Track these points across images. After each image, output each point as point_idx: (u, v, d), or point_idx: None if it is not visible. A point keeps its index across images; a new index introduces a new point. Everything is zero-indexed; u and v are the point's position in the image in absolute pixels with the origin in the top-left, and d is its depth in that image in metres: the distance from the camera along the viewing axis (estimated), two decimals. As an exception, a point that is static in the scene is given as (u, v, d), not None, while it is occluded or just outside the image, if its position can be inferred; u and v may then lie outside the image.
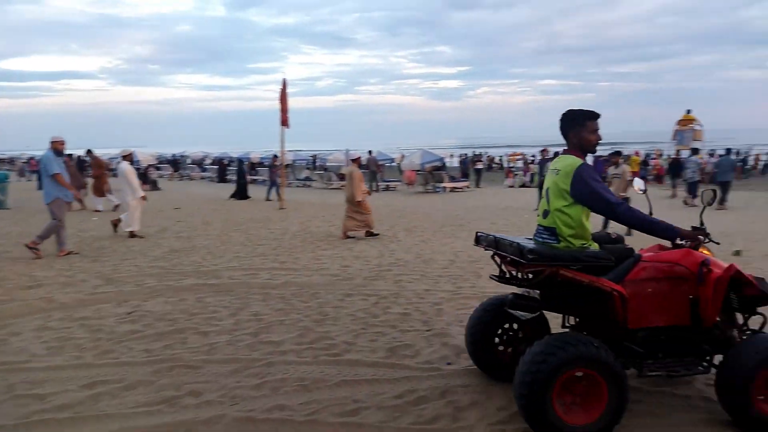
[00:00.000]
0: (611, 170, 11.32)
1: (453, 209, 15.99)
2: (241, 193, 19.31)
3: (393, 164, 32.19)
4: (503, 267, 3.64)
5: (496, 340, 3.90)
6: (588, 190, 3.20)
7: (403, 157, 31.58)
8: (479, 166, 29.53)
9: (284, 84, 15.70)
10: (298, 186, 27.98)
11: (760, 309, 3.43)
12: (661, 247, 3.66)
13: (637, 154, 31.35)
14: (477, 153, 39.10)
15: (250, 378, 3.94)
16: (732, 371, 3.15)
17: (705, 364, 3.39)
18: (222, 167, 31.97)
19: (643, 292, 3.28)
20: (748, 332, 3.51)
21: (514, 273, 3.56)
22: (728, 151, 19.71)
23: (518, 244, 3.20)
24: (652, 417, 3.37)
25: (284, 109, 15.75)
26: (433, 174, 24.28)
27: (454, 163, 35.22)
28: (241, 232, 11.27)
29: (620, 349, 3.29)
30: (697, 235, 3.42)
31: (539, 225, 3.47)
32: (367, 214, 10.45)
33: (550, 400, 2.96)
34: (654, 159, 30.63)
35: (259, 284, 6.76)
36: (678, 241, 3.39)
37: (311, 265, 7.92)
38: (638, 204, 3.92)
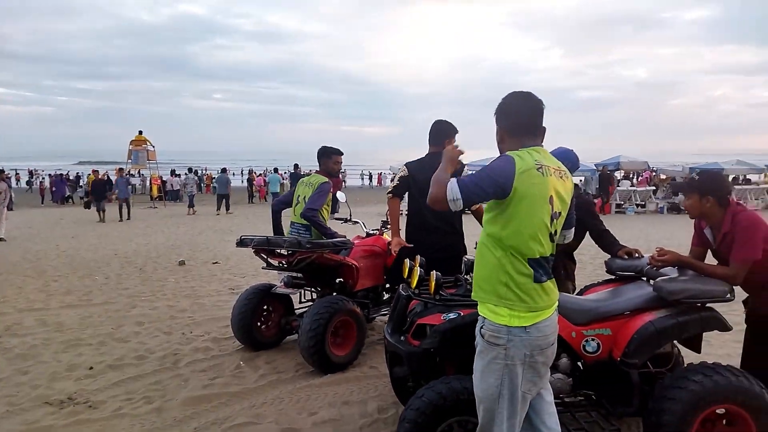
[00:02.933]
0: None
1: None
2: None
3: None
4: (269, 259, 4.75)
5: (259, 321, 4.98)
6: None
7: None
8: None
9: None
10: None
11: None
12: (359, 237, 5.45)
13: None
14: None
15: None
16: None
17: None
18: None
19: (360, 265, 4.96)
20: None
21: (278, 263, 4.73)
22: (224, 170, 22.76)
23: (295, 238, 4.42)
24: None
25: None
26: None
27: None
28: None
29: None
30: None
31: (295, 222, 4.74)
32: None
33: (327, 339, 4.31)
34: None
35: None
36: (370, 231, 5.23)
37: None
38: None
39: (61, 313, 6.45)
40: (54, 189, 28.53)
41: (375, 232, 5.30)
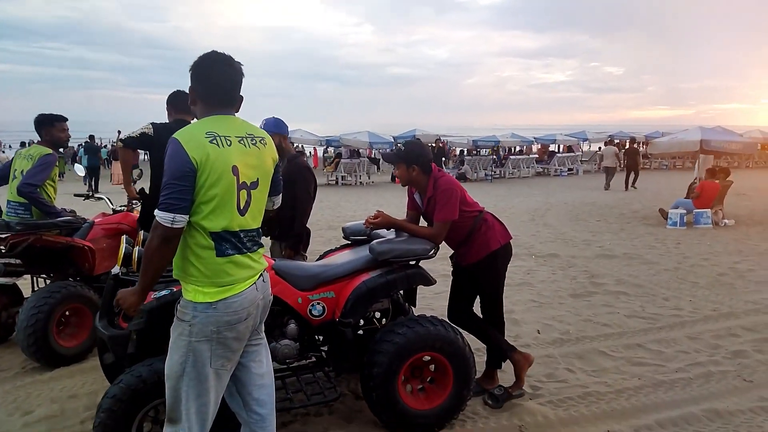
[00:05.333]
0: None
1: None
2: None
3: None
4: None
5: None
6: None
7: None
8: None
9: None
10: None
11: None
12: (104, 214, 4.93)
13: None
14: None
15: None
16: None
17: None
18: None
19: (101, 245, 4.50)
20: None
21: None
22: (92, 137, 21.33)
23: (3, 220, 3.80)
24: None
25: None
26: None
27: None
28: None
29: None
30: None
31: (11, 201, 4.09)
32: None
33: (51, 332, 3.87)
34: None
35: None
36: (117, 207, 4.77)
37: None
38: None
39: None
40: None
41: (123, 208, 4.84)
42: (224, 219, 2.09)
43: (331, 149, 27.46)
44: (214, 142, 2.05)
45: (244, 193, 2.15)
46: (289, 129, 4.13)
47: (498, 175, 23.74)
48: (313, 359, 3.35)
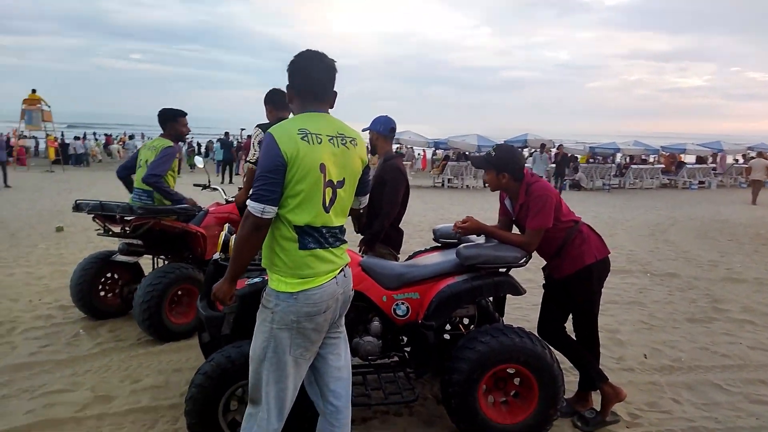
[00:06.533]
0: None
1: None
2: None
3: None
4: (106, 225, 4.53)
5: (100, 288, 4.75)
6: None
7: None
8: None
9: None
10: None
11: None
12: (218, 204, 5.31)
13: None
14: None
15: None
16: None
17: None
18: None
19: (213, 232, 4.84)
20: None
21: (116, 229, 4.52)
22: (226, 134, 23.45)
23: (127, 203, 4.22)
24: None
25: None
26: None
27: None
28: None
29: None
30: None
31: (137, 188, 4.53)
32: None
33: (164, 309, 4.22)
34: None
35: None
36: (230, 198, 5.11)
37: None
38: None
39: None
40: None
41: (233, 199, 5.17)
42: (308, 214, 2.15)
43: (439, 152, 27.41)
44: (306, 138, 2.11)
45: (329, 190, 2.19)
46: (399, 130, 4.13)
47: (617, 185, 22.29)
48: (396, 359, 3.35)
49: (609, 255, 3.31)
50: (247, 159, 4.13)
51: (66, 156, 24.42)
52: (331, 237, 2.24)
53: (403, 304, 3.11)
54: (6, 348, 4.14)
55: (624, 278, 6.97)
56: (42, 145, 27.32)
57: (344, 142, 2.25)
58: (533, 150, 27.51)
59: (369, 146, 4.18)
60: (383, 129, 3.94)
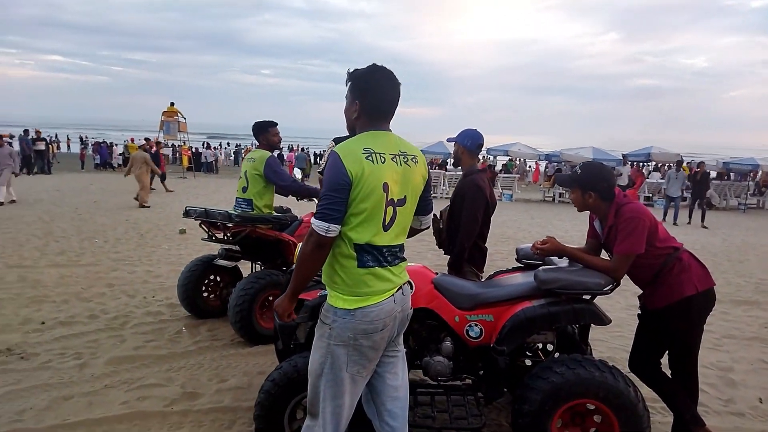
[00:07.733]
0: None
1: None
2: None
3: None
4: (211, 230, 4.88)
5: (204, 289, 5.13)
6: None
7: None
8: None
9: None
10: None
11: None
12: (312, 214, 5.51)
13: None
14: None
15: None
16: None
17: None
18: None
19: (304, 242, 5.03)
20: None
21: (219, 235, 4.85)
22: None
23: (227, 212, 4.52)
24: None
25: None
26: None
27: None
28: None
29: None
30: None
31: (238, 197, 4.85)
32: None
33: (254, 313, 4.44)
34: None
35: None
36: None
37: None
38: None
39: (44, 271, 6.80)
40: (96, 155, 29.69)
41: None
42: (369, 233, 2.15)
43: (551, 165, 26.35)
44: (370, 158, 2.12)
45: (390, 209, 2.18)
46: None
47: (754, 205, 19.99)
48: (468, 381, 3.25)
49: (714, 287, 2.97)
50: (319, 171, 4.24)
51: (198, 164, 26.80)
52: (390, 255, 2.23)
53: (476, 325, 3.00)
54: (116, 341, 4.58)
55: (748, 310, 6.21)
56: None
57: (406, 160, 2.23)
58: (662, 165, 25.28)
59: (453, 158, 4.11)
60: (471, 144, 3.85)
